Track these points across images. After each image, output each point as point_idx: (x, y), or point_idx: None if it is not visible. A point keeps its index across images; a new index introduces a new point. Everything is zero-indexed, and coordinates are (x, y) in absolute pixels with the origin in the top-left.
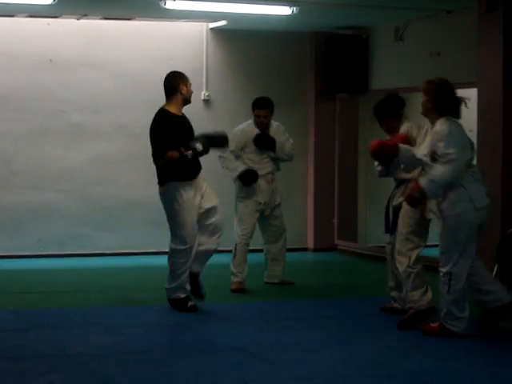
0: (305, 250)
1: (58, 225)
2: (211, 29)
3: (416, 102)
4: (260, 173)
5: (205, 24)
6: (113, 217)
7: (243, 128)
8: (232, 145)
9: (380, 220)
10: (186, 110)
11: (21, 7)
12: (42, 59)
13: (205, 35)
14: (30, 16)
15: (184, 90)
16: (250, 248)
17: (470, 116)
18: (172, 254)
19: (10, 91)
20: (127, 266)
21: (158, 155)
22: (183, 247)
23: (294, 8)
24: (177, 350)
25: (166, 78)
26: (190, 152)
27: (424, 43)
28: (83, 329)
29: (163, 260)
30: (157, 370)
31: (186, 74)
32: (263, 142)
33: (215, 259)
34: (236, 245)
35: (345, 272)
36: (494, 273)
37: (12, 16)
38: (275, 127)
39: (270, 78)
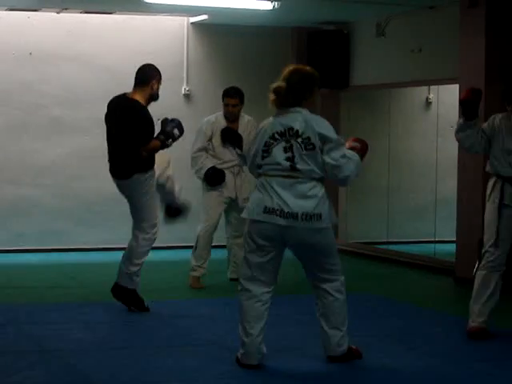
0: None
1: (37, 219)
2: (192, 23)
3: (400, 98)
4: (226, 165)
5: (186, 18)
6: (93, 212)
7: (211, 119)
8: (200, 141)
9: (360, 216)
10: (166, 104)
11: (1, 0)
12: (22, 52)
13: (186, 29)
14: (10, 9)
15: (155, 86)
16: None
17: (452, 112)
18: (146, 243)
19: None
20: (107, 261)
21: (137, 146)
22: (154, 234)
23: (276, 3)
24: (156, 345)
25: (143, 68)
26: (170, 140)
27: (406, 39)
28: (62, 324)
29: None
30: (136, 366)
31: (167, 68)
32: (229, 137)
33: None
34: (198, 237)
35: None
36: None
37: None
38: (246, 121)
39: (250, 73)
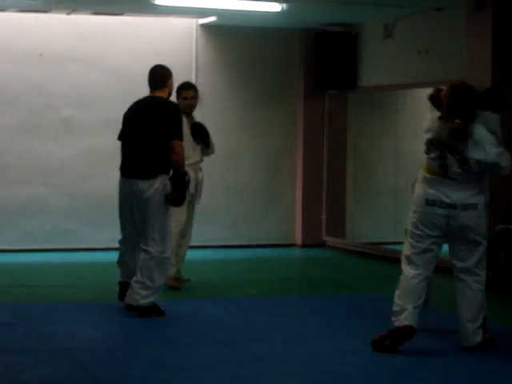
0: (293, 245)
1: (46, 219)
2: (201, 25)
3: (407, 99)
4: (188, 162)
5: (194, 20)
6: (102, 211)
7: None
8: None
9: (368, 216)
10: None
11: (11, 2)
12: (32, 54)
13: (194, 31)
14: (20, 11)
15: (171, 83)
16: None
17: None
18: (163, 262)
19: (0, 85)
20: (116, 260)
21: (179, 137)
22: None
23: (284, 5)
24: (165, 344)
25: (157, 70)
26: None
27: (413, 40)
28: (71, 323)
29: None
30: (145, 364)
31: (176, 69)
32: (199, 132)
33: (199, 254)
34: None
35: (332, 268)
36: None
37: (2, 10)
38: (198, 117)
39: (259, 75)
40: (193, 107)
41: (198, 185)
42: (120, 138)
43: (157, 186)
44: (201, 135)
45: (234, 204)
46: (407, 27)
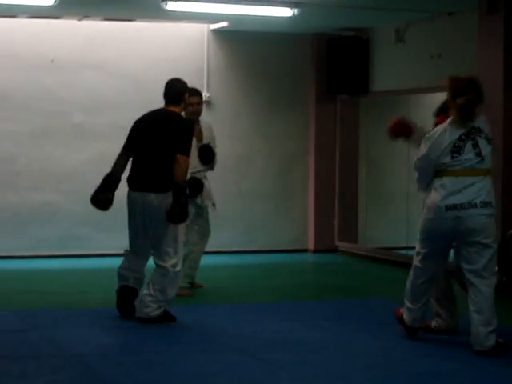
0: (305, 251)
1: (59, 225)
2: (212, 30)
3: (419, 104)
4: (192, 170)
5: (206, 25)
6: (114, 217)
7: None
8: None
9: (380, 221)
10: None
11: (22, 8)
12: (44, 60)
13: (206, 36)
14: (32, 17)
15: (187, 98)
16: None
17: None
18: (176, 276)
19: (12, 92)
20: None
21: (186, 153)
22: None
23: (295, 10)
24: (177, 350)
25: (175, 85)
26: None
27: (425, 45)
28: (84, 329)
29: None
30: (157, 370)
31: (187, 74)
32: (207, 157)
33: (212, 260)
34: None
35: (345, 273)
36: None
37: (14, 17)
38: (204, 123)
39: (270, 80)
40: (198, 113)
41: (205, 194)
42: (128, 148)
43: (170, 200)
44: (207, 159)
45: (246, 209)
46: (419, 31)
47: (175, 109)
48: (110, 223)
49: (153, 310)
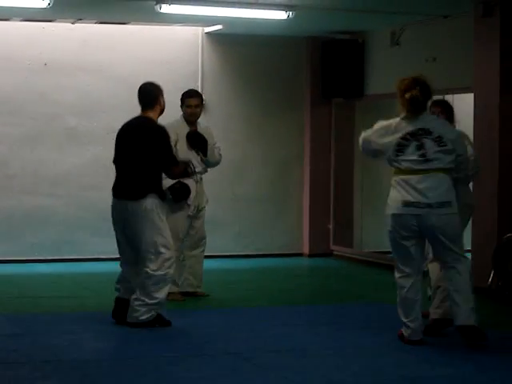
0: (300, 255)
1: (52, 229)
2: (207, 33)
3: None
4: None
5: (200, 28)
6: (108, 221)
7: (173, 123)
8: None
9: (375, 225)
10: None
11: (16, 11)
12: (37, 63)
13: (200, 39)
14: (25, 20)
15: (162, 101)
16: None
17: (467, 120)
18: (161, 279)
19: (5, 95)
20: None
21: (173, 164)
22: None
23: (290, 13)
24: (171, 355)
25: (147, 88)
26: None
27: (420, 48)
28: (77, 334)
29: None
30: (152, 375)
31: (182, 77)
32: (196, 141)
33: (206, 264)
34: None
35: (340, 277)
36: (490, 279)
37: (7, 20)
38: (203, 127)
39: (265, 83)
40: (197, 115)
41: (198, 197)
42: (114, 161)
43: (146, 206)
44: (197, 144)
45: (241, 214)
46: (414, 35)
47: (151, 113)
48: (104, 227)
49: (142, 314)
